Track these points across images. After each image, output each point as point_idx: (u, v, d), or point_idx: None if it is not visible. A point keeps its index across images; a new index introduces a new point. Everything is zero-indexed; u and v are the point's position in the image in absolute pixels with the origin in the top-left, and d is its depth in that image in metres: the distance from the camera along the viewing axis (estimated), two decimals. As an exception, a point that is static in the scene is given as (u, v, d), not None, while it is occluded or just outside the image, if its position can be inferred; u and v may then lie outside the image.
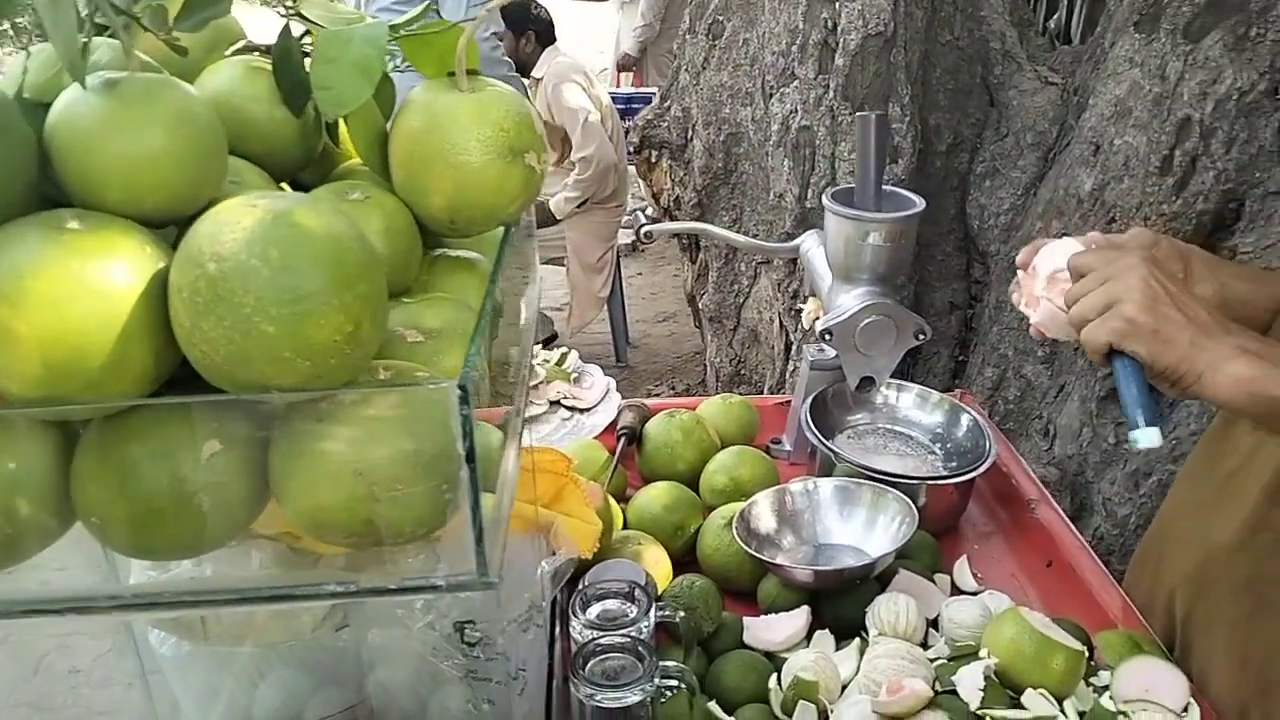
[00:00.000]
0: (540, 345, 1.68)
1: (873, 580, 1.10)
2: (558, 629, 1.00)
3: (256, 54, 0.63)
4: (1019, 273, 1.00)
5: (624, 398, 1.50)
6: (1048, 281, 0.92)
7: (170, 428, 0.45)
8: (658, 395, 3.82)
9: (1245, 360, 0.76)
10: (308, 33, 0.60)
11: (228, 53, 0.64)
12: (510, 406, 0.61)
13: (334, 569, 0.56)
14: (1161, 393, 0.83)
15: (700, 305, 2.79)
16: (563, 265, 3.78)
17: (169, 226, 0.50)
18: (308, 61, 0.58)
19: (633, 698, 0.86)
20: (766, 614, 1.09)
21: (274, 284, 0.42)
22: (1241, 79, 1.93)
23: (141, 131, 0.48)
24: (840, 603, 1.07)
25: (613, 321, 4.03)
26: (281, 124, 0.61)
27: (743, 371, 2.80)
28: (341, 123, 0.66)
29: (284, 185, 0.65)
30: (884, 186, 1.25)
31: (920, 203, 1.24)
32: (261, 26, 0.69)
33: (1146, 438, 0.81)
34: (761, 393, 2.62)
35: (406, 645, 0.80)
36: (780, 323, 2.54)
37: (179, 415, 0.45)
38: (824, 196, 1.26)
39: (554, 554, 0.85)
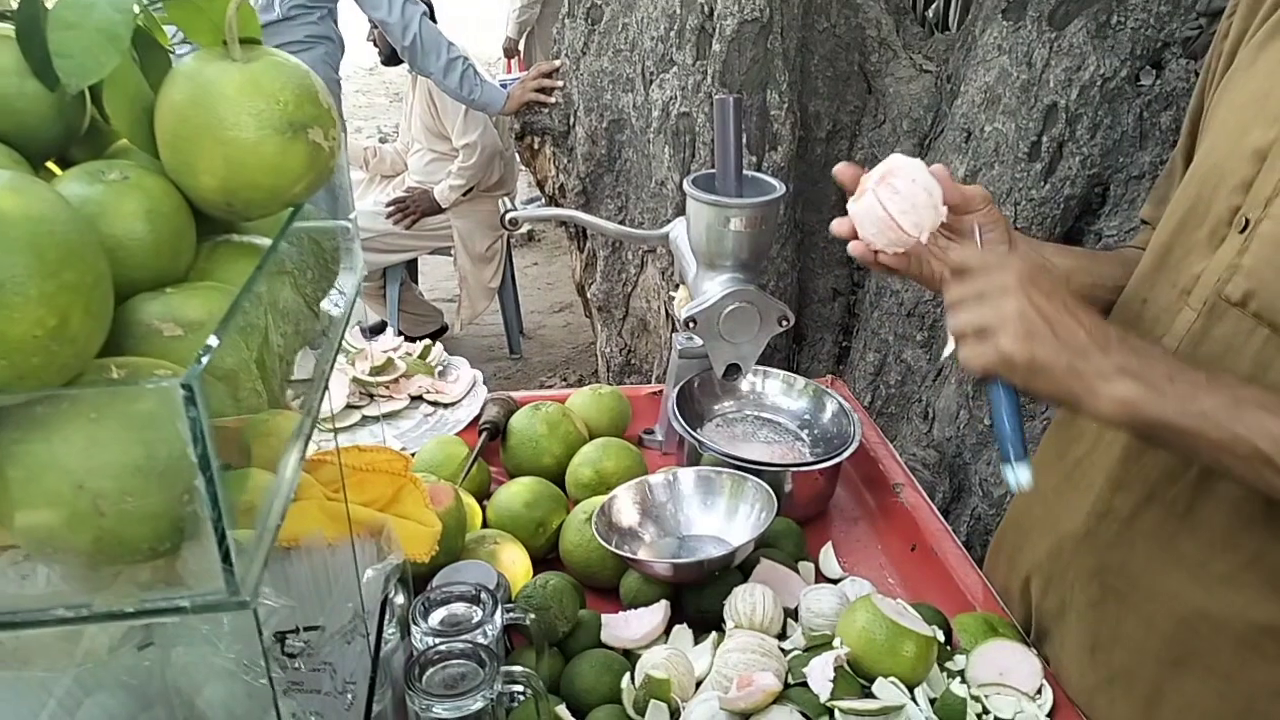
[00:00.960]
0: (429, 339, 1.61)
1: (735, 570, 1.08)
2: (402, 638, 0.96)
3: (3, 22, 0.57)
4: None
5: (518, 390, 1.45)
6: (880, 179, 0.87)
7: None
8: (551, 387, 3.77)
9: (1124, 383, 0.74)
10: (60, -5, 0.54)
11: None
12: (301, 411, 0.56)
13: (133, 584, 0.51)
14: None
15: (589, 295, 2.76)
16: (450, 255, 3.70)
17: None
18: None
19: (473, 706, 0.82)
20: (629, 610, 1.06)
21: (-41, 273, 0.36)
22: (1104, 65, 1.98)
23: None
24: (701, 595, 1.05)
25: (505, 313, 3.96)
26: (33, 99, 0.55)
27: (633, 361, 2.77)
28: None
29: (50, 167, 0.59)
30: (745, 172, 1.22)
31: (781, 188, 1.22)
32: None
33: (1015, 477, 0.79)
34: (651, 382, 2.60)
35: (217, 661, 0.74)
36: (667, 311, 2.52)
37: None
38: (685, 183, 1.23)
39: (383, 560, 0.80)
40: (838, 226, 0.92)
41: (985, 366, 0.78)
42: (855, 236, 0.90)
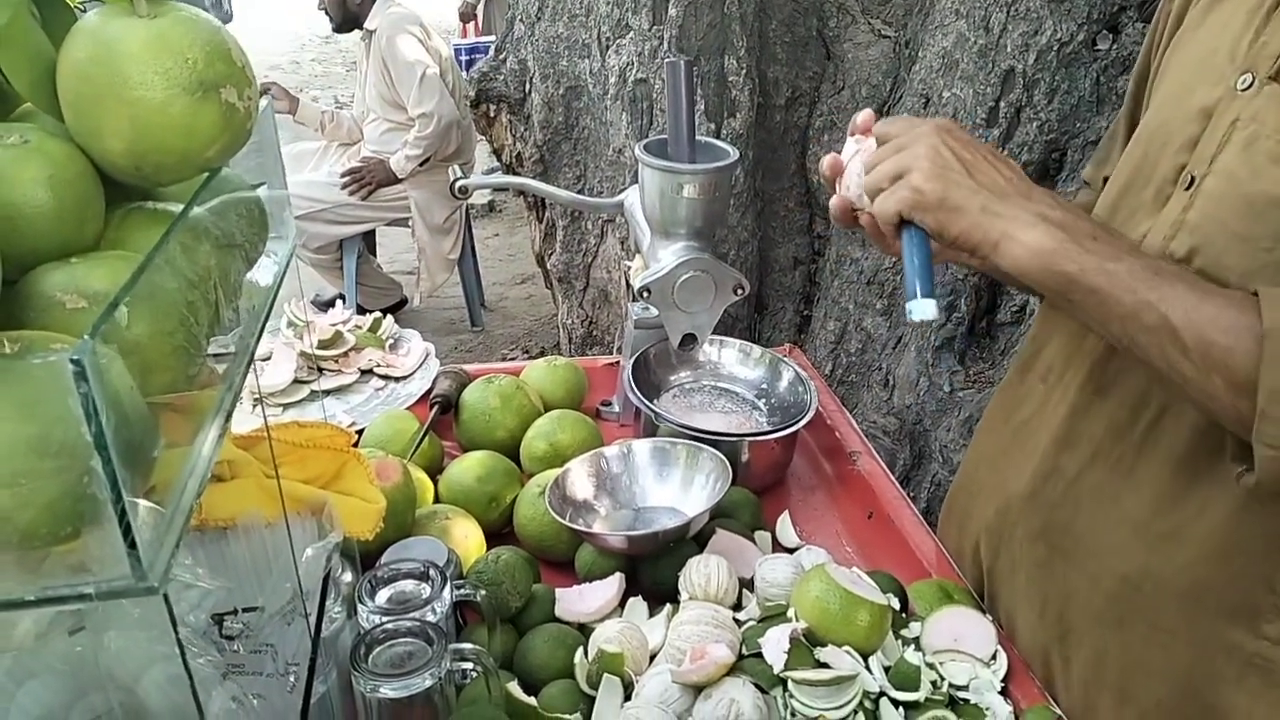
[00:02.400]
0: (385, 313, 1.58)
1: (690, 541, 1.07)
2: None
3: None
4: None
5: (479, 363, 1.42)
6: (855, 145, 0.89)
7: None
8: (513, 359, 3.74)
9: (1044, 229, 0.72)
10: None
11: None
12: (220, 385, 0.53)
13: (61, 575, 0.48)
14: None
15: (549, 266, 2.73)
16: (408, 227, 3.64)
17: None
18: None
19: (420, 684, 0.81)
20: (584, 583, 1.05)
21: None
22: (1061, 30, 1.97)
23: None
24: (657, 567, 1.04)
25: (465, 285, 3.92)
26: (-82, 57, 0.51)
27: (594, 332, 2.75)
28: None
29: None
30: (698, 137, 1.20)
31: (734, 154, 1.20)
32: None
33: (921, 309, 0.76)
34: (613, 353, 2.58)
35: (152, 646, 0.72)
36: (627, 282, 2.50)
37: None
38: (636, 148, 1.20)
39: (323, 538, 0.78)
40: (827, 165, 0.91)
41: (898, 204, 0.77)
42: (839, 175, 0.90)
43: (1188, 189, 0.80)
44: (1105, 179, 0.98)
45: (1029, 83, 2.01)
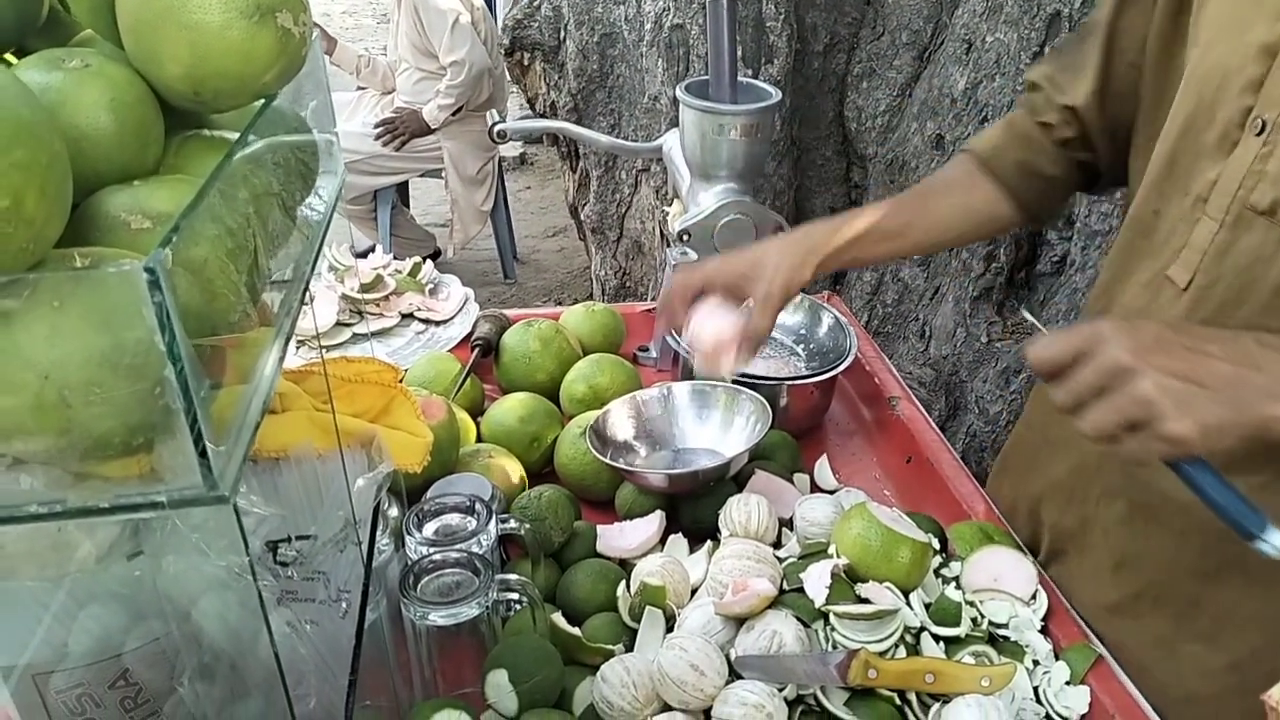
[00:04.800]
0: (427, 260, 1.59)
1: (729, 481, 1.08)
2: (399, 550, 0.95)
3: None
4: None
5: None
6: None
7: None
8: (547, 311, 3.75)
9: None
10: None
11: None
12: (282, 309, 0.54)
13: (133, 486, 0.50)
14: None
15: (582, 216, 2.72)
16: (441, 178, 3.64)
17: None
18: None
19: (468, 613, 0.82)
20: (624, 521, 1.06)
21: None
22: (1108, -29, 1.91)
23: None
24: (696, 506, 1.05)
25: (498, 237, 3.92)
26: (-19, -19, 0.52)
27: (628, 284, 2.75)
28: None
29: (7, 59, 0.56)
30: (740, 79, 1.19)
31: (777, 94, 1.18)
32: None
33: (1272, 545, 0.68)
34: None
35: (209, 570, 0.74)
36: (661, 232, 2.49)
37: None
38: (678, 89, 1.19)
39: (373, 469, 0.79)
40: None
41: (1164, 457, 0.70)
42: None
43: (1259, 134, 0.76)
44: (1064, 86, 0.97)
45: (1075, 25, 1.96)
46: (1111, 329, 0.70)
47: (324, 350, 1.26)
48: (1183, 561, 0.90)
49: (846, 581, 0.89)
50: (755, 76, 2.19)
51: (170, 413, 0.40)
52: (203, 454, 0.41)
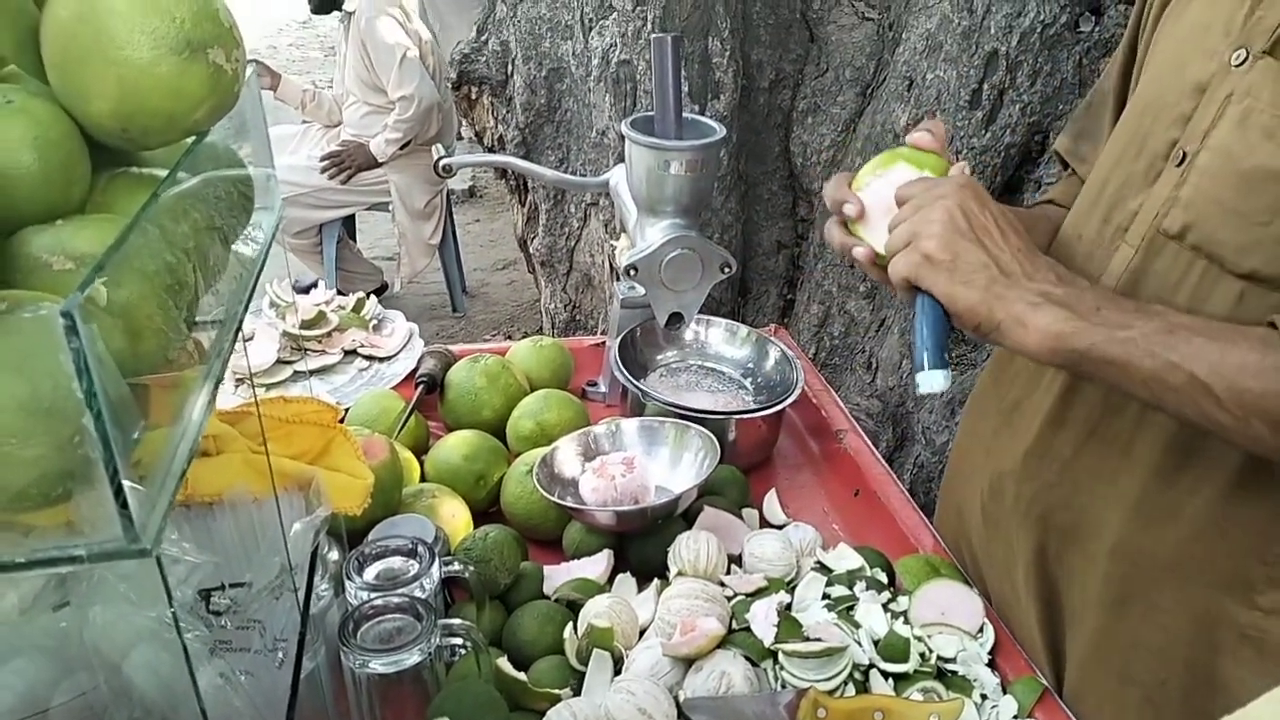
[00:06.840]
0: (371, 295, 1.57)
1: (679, 519, 1.07)
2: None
3: None
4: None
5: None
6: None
7: None
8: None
9: (1049, 311, 0.72)
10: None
11: None
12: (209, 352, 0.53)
13: (51, 538, 0.48)
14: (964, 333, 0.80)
15: (531, 249, 2.71)
16: (389, 211, 3.61)
17: None
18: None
19: (409, 660, 0.80)
20: (572, 561, 1.04)
21: None
22: (1044, 12, 1.98)
23: None
24: (645, 544, 1.04)
25: (446, 270, 3.90)
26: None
27: (578, 317, 2.74)
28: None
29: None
30: (685, 114, 1.19)
31: (721, 130, 1.19)
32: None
33: (927, 381, 0.76)
34: (596, 337, 2.58)
35: (139, 622, 0.71)
36: (611, 265, 2.49)
37: None
38: (623, 125, 1.20)
39: (311, 513, 0.77)
40: (834, 189, 0.88)
41: (908, 269, 0.76)
42: (845, 201, 0.86)
43: (1179, 165, 0.79)
44: (1085, 155, 0.98)
45: (1012, 65, 2.01)
46: (967, 178, 0.79)
47: (261, 389, 1.23)
48: (1092, 588, 0.92)
49: (793, 620, 0.89)
50: (702, 112, 2.21)
51: (89, 462, 0.39)
52: (123, 505, 0.39)
